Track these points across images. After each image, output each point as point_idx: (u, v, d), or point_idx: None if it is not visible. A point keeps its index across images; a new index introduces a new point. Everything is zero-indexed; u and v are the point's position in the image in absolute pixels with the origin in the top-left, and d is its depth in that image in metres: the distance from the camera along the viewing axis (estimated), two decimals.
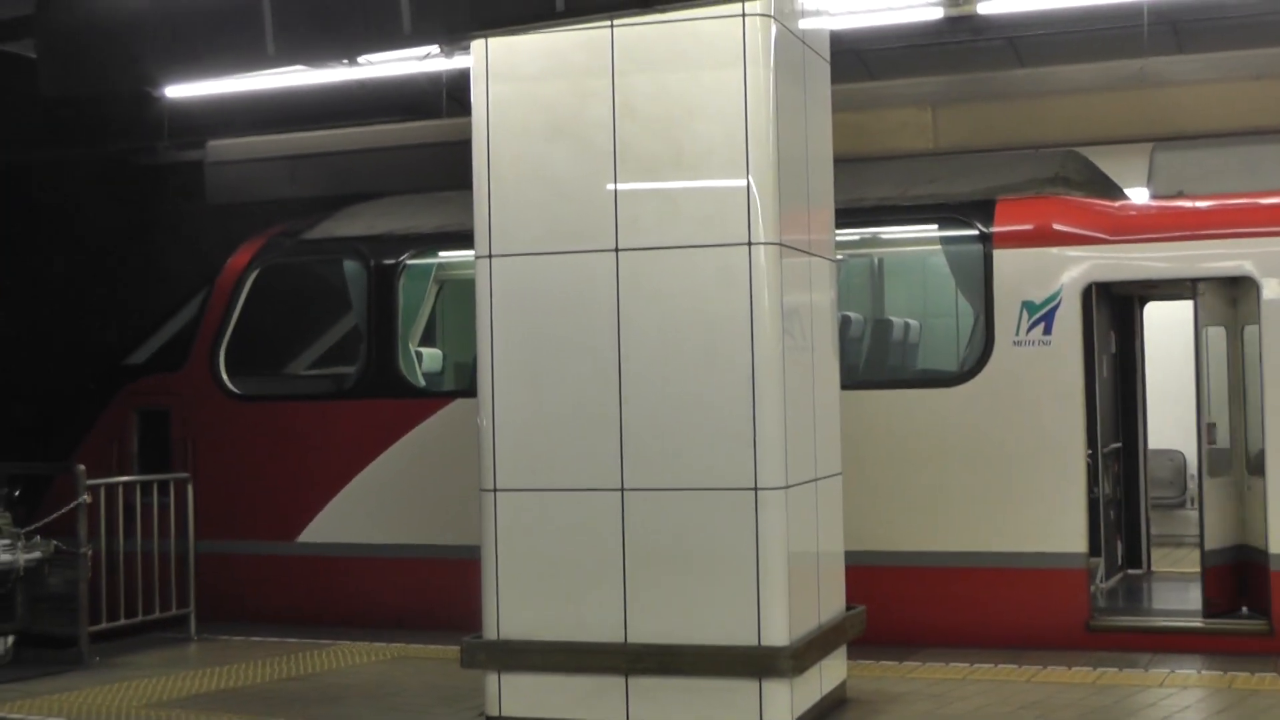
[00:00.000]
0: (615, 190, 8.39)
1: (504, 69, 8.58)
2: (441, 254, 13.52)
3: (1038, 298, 11.06)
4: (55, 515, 11.60)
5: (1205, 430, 11.23)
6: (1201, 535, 11.15)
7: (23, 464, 12.94)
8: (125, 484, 12.45)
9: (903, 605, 11.07)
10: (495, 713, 8.59)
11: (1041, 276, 11.06)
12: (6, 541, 11.42)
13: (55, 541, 11.53)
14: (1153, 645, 10.79)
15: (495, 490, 8.58)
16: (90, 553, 11.49)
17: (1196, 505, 11.28)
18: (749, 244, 8.16)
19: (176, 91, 15.01)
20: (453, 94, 14.43)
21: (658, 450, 8.31)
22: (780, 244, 8.27)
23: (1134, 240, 11.12)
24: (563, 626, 8.43)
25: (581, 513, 8.40)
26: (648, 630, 8.29)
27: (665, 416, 8.30)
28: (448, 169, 12.62)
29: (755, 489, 8.14)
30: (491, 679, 8.59)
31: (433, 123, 15.00)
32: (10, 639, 11.50)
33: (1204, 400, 11.28)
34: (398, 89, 14.80)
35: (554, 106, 8.52)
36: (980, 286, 11.32)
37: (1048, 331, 11.01)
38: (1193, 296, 11.22)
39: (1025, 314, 11.05)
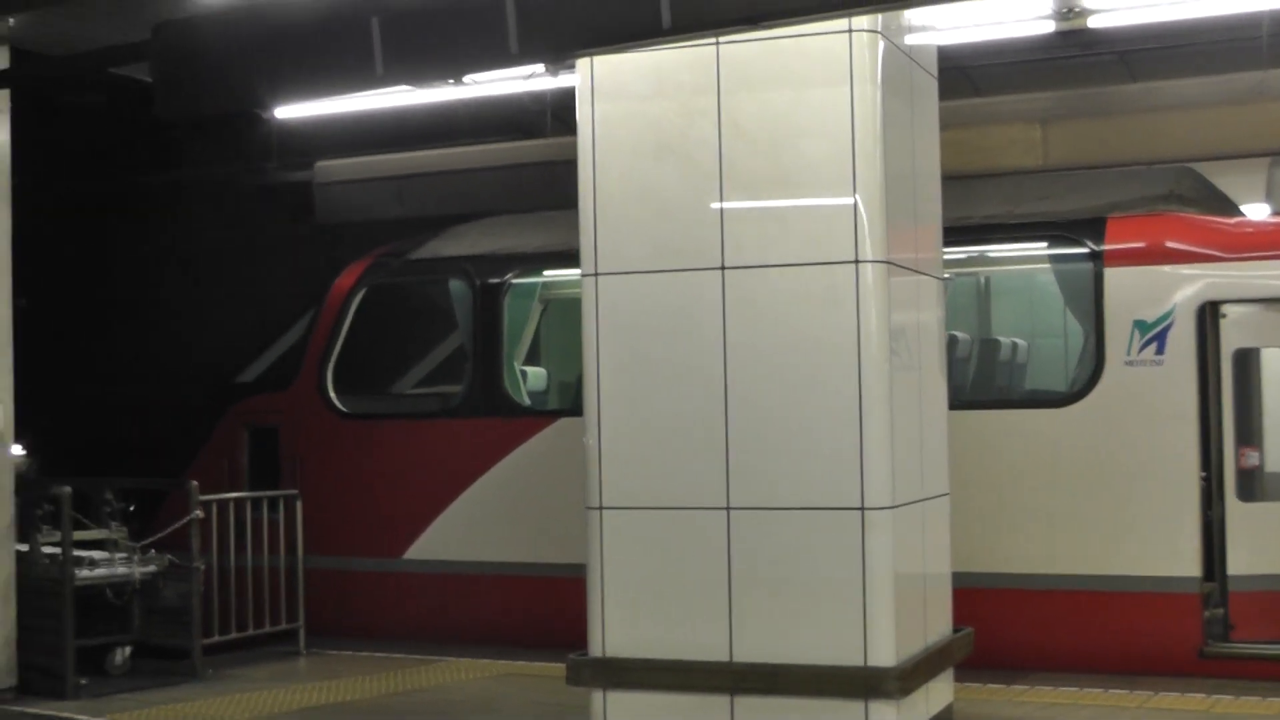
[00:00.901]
0: (721, 209, 8.37)
1: (610, 88, 8.59)
2: (546, 273, 13.56)
3: (1150, 317, 10.91)
4: (169, 530, 11.77)
5: (1236, 454, 10.97)
6: (1223, 561, 10.91)
7: (138, 479, 13.14)
8: (236, 500, 12.60)
9: (1010, 628, 10.95)
10: None
11: (1154, 295, 10.91)
12: (123, 555, 11.62)
13: (169, 556, 11.70)
14: (1268, 673, 10.57)
15: (601, 508, 8.57)
16: (203, 567, 11.65)
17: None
18: (856, 262, 8.11)
19: (284, 113, 15.16)
20: (557, 114, 14.49)
21: (763, 469, 8.27)
22: (888, 262, 8.22)
23: (1250, 258, 10.94)
24: (668, 644, 8.40)
25: (687, 531, 8.38)
26: (753, 649, 8.24)
27: (771, 435, 8.26)
28: (552, 188, 12.68)
29: (862, 509, 8.09)
30: (597, 697, 8.58)
31: (537, 142, 15.06)
32: (127, 650, 11.69)
33: (1227, 422, 10.98)
34: (502, 108, 14.87)
35: (660, 125, 8.52)
36: (1091, 305, 11.18)
37: (1160, 351, 10.86)
38: (1215, 319, 11.00)
39: (1137, 333, 10.91)
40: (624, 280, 8.57)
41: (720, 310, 8.35)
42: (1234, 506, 10.88)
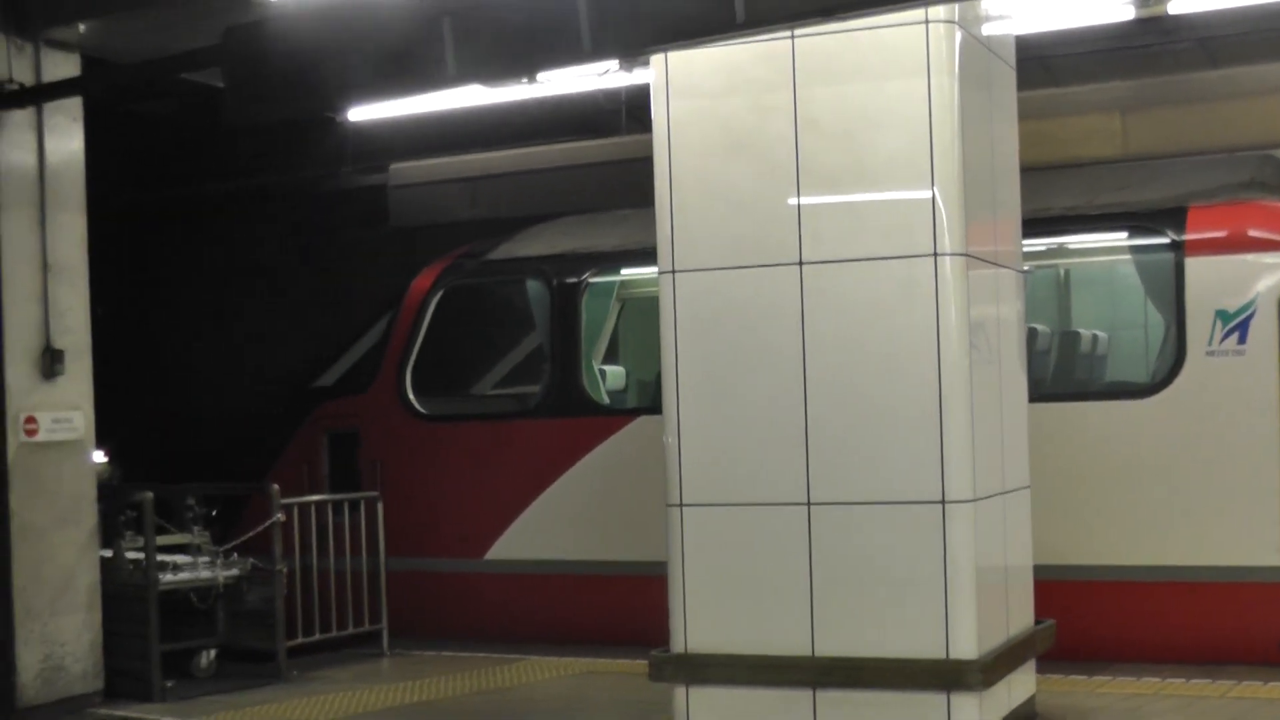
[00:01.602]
0: (798, 204, 8.37)
1: (684, 84, 8.59)
2: (623, 272, 13.58)
3: (1231, 307, 10.79)
4: (251, 534, 11.87)
5: None
6: None
7: (220, 484, 13.26)
8: (317, 503, 12.69)
9: (1092, 620, 10.88)
10: None
11: (1236, 285, 10.79)
12: (206, 559, 11.71)
13: (252, 559, 11.79)
14: None
15: (681, 505, 8.58)
16: (285, 570, 11.72)
17: None
18: (934, 255, 8.08)
19: (357, 115, 15.22)
20: (632, 111, 14.51)
21: (844, 464, 8.26)
22: (966, 255, 8.18)
23: None
24: (750, 639, 8.41)
25: (768, 527, 8.37)
26: (835, 643, 8.23)
27: (851, 430, 8.25)
28: (628, 187, 12.69)
29: (943, 502, 8.06)
30: (679, 692, 8.59)
31: (612, 140, 15.08)
32: (212, 653, 11.80)
33: None
34: (576, 107, 14.89)
35: (734, 121, 8.51)
36: (1171, 296, 11.08)
37: (1242, 341, 10.75)
38: None
39: (1219, 323, 10.80)
40: (701, 277, 8.58)
41: (798, 306, 8.34)
42: None
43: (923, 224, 8.11)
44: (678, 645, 8.59)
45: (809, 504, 8.30)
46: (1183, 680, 10.15)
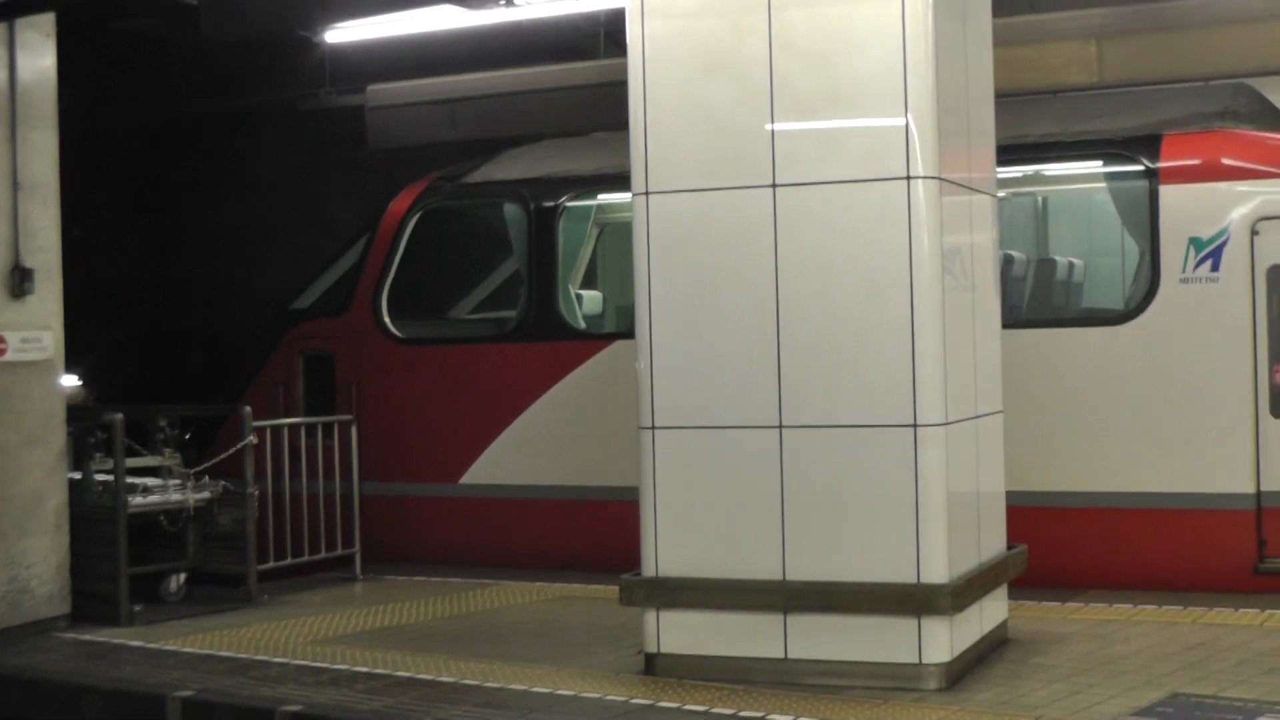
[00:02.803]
0: (772, 127, 8.32)
1: (660, 5, 8.53)
2: (601, 196, 13.52)
3: (1205, 234, 10.80)
4: (223, 456, 11.82)
5: (1270, 370, 10.81)
6: (1257, 476, 10.80)
7: (190, 406, 13.20)
8: (291, 426, 12.65)
9: (1065, 546, 10.92)
10: (654, 650, 8.62)
11: (1209, 212, 10.80)
12: (177, 482, 11.65)
13: (224, 482, 11.75)
14: None
15: (653, 428, 8.58)
16: (257, 493, 11.68)
17: None
18: (908, 178, 8.05)
19: (336, 36, 15.10)
20: (610, 35, 14.42)
21: (816, 387, 8.25)
22: (940, 179, 8.15)
23: None
24: (721, 564, 8.42)
25: (740, 450, 8.37)
26: (806, 568, 8.25)
27: (823, 353, 8.24)
28: (606, 111, 12.63)
29: (914, 426, 8.06)
30: (650, 616, 8.61)
31: (591, 64, 15.00)
32: (182, 576, 11.77)
33: (1261, 339, 10.75)
34: (555, 30, 14.80)
35: (710, 42, 8.46)
36: (1146, 223, 11.08)
37: (1215, 268, 10.76)
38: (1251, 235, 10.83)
39: (1192, 251, 10.81)
40: (674, 199, 8.54)
41: (772, 228, 8.31)
42: (1268, 423, 10.78)
43: (896, 148, 8.08)
44: (649, 569, 8.60)
45: (781, 427, 8.29)
46: (1155, 606, 10.21)
